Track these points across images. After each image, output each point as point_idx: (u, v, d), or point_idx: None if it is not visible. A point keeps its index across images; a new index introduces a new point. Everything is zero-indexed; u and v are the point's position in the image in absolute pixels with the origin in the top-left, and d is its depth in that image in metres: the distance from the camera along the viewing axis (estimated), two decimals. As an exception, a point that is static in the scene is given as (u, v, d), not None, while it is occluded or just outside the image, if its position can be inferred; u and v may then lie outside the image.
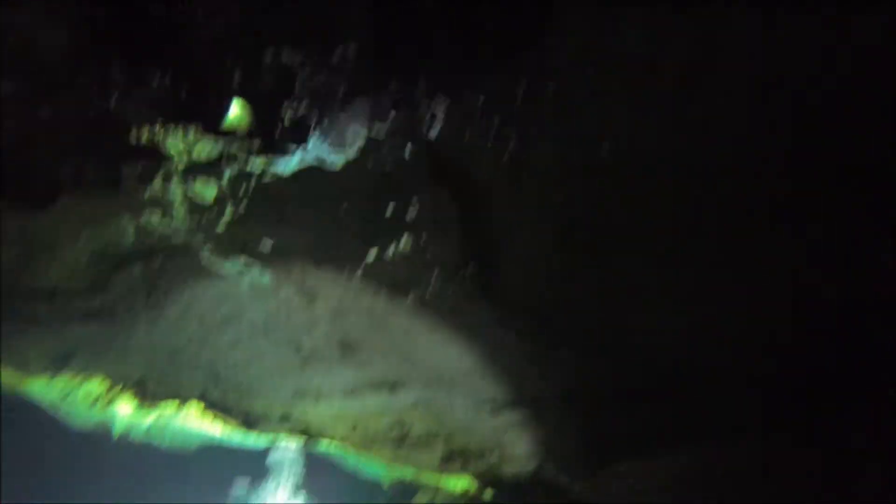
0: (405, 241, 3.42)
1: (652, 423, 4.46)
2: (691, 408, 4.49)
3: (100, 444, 7.30)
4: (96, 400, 6.44)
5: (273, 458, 7.34)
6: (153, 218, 3.99)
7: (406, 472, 6.60)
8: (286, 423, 5.31)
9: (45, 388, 6.41)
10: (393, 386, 4.40)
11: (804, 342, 4.06)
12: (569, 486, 5.61)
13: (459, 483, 6.29)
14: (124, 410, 6.54)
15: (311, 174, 3.35)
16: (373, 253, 3.52)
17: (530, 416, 4.25)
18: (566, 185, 3.46)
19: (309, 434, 5.41)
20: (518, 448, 4.68)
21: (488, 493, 6.66)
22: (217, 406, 5.75)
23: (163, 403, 6.29)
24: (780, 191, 3.27)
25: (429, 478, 6.33)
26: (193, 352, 5.10)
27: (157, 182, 3.73)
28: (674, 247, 3.71)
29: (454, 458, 4.81)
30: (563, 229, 3.53)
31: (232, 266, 4.15)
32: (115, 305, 5.05)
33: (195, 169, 3.58)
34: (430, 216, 3.34)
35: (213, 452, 7.35)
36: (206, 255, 4.18)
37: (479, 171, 3.36)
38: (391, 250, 3.46)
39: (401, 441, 4.82)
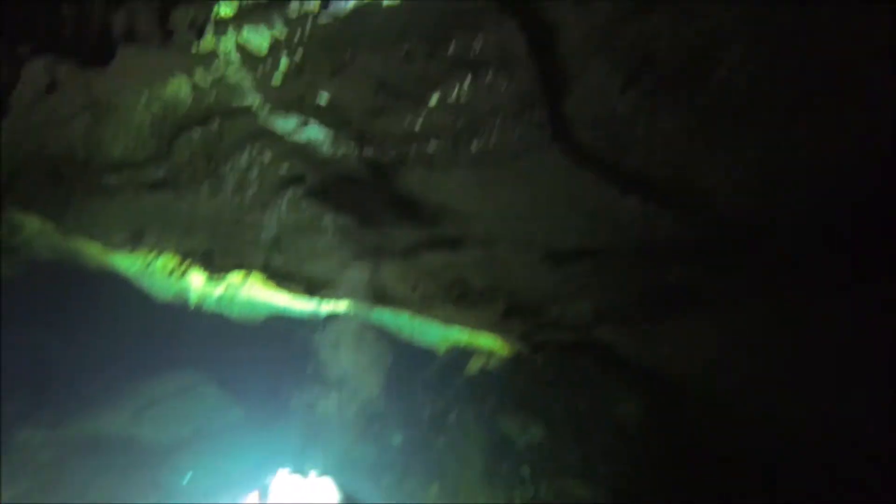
0: (469, 83, 3.27)
1: (712, 278, 4.43)
2: (753, 265, 4.42)
3: (178, 314, 7.94)
4: (171, 272, 6.86)
5: (333, 325, 7.78)
6: (207, 74, 3.95)
7: (461, 337, 6.92)
8: (347, 287, 5.53)
9: (126, 262, 6.87)
10: (454, 242, 4.45)
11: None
12: (623, 345, 5.78)
13: (513, 345, 6.57)
14: (196, 282, 6.99)
15: (370, 12, 3.15)
16: (434, 98, 3.39)
17: (593, 270, 4.26)
18: (640, 18, 3.17)
19: (369, 298, 5.64)
20: (577, 304, 4.77)
21: (542, 356, 6.96)
22: (280, 274, 6.03)
23: (230, 274, 6.66)
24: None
25: (484, 341, 6.63)
26: (254, 218, 5.26)
27: (209, 33, 3.63)
28: (751, 92, 3.45)
29: (514, 314, 4.95)
30: (637, 67, 3.29)
31: (289, 123, 4.13)
32: (179, 175, 5.19)
33: (247, 14, 3.44)
34: (497, 54, 3.14)
35: (279, 321, 7.87)
36: (263, 113, 4.15)
37: (549, 3, 3.10)
38: (454, 93, 3.32)
39: (461, 298, 4.97)
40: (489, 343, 6.65)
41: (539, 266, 4.41)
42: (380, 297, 5.53)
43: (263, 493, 5.32)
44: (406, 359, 8.52)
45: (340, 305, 6.35)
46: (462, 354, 7.68)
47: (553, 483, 6.91)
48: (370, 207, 4.54)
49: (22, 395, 7.56)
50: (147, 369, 8.64)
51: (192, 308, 7.55)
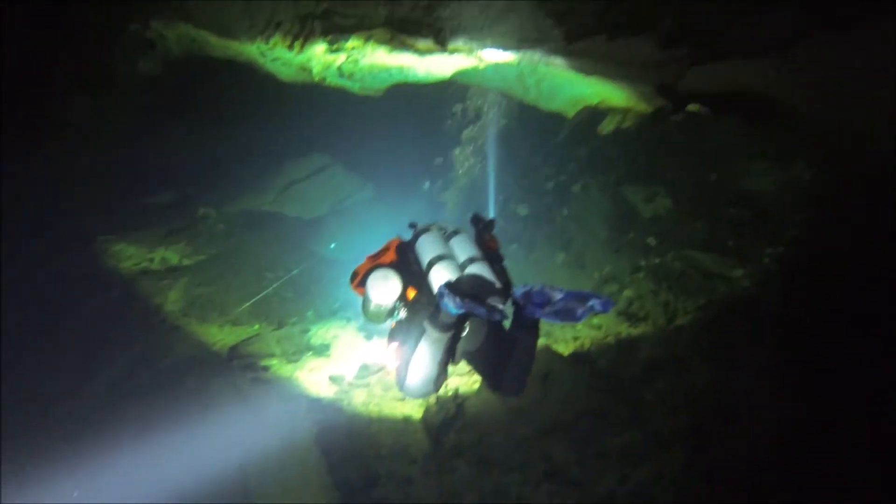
0: None
1: None
2: None
3: (304, 96, 8.01)
4: (292, 44, 6.67)
5: (457, 89, 7.48)
6: None
7: (594, 95, 6.39)
8: (481, 31, 5.05)
9: (249, 47, 6.79)
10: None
11: None
12: (785, 92, 4.98)
13: (652, 101, 5.98)
14: (318, 52, 6.79)
15: None
16: None
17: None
18: None
19: (504, 41, 5.16)
20: (754, 20, 3.97)
21: (680, 115, 6.31)
22: (405, 26, 5.63)
23: (350, 39, 6.34)
24: None
25: (618, 98, 6.08)
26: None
27: None
28: None
29: (677, 42, 4.24)
30: None
31: None
32: None
33: None
34: None
35: (402, 91, 7.69)
36: None
37: None
38: None
39: (618, 26, 4.31)
40: (624, 101, 6.08)
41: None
42: (517, 39, 5.00)
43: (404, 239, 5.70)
44: (532, 127, 8.21)
45: (469, 60, 5.93)
46: (591, 118, 7.20)
47: (680, 253, 6.79)
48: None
49: (194, 180, 8.46)
50: (283, 154, 9.14)
51: (316, 83, 7.51)
